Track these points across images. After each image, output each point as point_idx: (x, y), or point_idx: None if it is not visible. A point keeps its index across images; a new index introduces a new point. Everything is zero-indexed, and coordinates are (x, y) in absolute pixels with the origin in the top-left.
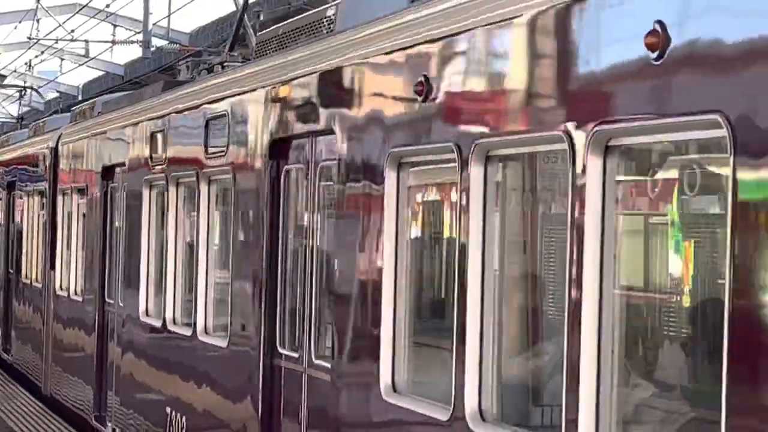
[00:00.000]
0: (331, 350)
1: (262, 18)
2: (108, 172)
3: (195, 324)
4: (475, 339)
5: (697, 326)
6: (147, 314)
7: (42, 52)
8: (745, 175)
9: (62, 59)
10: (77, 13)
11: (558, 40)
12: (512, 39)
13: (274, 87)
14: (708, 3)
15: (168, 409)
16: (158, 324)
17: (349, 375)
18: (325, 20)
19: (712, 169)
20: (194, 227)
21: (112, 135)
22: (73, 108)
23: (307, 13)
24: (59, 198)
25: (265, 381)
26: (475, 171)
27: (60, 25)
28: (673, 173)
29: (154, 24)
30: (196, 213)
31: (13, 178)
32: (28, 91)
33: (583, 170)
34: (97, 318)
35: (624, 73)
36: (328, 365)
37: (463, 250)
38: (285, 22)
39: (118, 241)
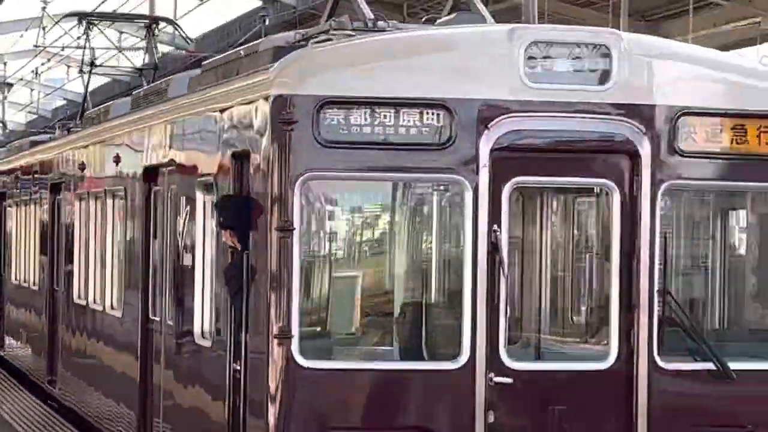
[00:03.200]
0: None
1: (267, 23)
2: None
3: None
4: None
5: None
6: (15, 278)
7: (48, 60)
8: None
9: (69, 66)
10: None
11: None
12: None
13: (43, 159)
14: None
15: (21, 330)
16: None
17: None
18: (102, 113)
19: None
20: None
21: None
22: None
23: (105, 104)
24: None
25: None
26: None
27: (66, 33)
28: None
29: (159, 30)
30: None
31: None
32: (35, 99)
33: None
34: None
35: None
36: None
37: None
38: (100, 107)
39: None
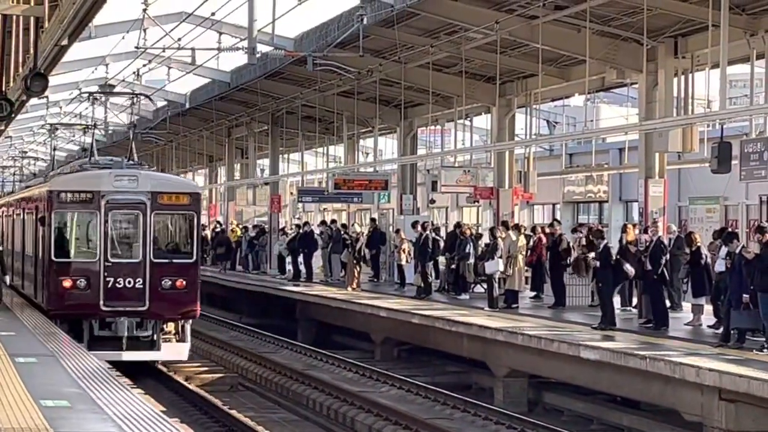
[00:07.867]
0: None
1: (365, 22)
2: None
3: None
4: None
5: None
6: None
7: (149, 61)
8: None
9: (169, 68)
10: (183, 21)
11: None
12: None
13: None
14: None
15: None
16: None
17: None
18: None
19: None
20: None
21: None
22: None
23: (74, 161)
24: None
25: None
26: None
27: (167, 34)
28: None
29: (258, 30)
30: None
31: None
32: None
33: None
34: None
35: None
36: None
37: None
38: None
39: None
